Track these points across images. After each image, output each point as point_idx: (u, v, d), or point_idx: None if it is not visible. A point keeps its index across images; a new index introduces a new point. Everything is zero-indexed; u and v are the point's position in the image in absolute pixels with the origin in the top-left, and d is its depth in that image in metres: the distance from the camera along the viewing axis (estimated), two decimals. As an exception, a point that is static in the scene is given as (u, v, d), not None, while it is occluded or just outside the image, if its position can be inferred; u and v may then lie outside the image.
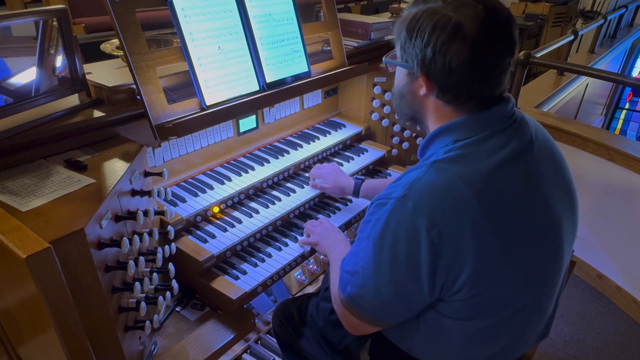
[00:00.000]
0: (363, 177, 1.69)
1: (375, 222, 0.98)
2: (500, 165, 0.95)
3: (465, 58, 0.90)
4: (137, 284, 1.08)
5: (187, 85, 1.47)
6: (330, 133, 2.00)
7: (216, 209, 1.54)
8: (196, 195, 1.52)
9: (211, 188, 1.56)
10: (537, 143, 1.04)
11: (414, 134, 2.11)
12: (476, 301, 0.98)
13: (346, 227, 1.68)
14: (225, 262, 1.44)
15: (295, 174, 1.81)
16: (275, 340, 1.98)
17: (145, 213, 1.18)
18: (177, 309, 1.39)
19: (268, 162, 1.74)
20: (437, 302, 1.03)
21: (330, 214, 1.69)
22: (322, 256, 2.37)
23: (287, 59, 1.68)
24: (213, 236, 1.44)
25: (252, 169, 1.69)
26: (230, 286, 1.33)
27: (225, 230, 1.47)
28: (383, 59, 1.14)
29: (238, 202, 1.61)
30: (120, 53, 1.59)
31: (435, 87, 0.98)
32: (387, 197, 0.98)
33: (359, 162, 1.93)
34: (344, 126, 2.06)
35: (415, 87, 1.03)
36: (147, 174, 1.30)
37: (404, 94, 1.08)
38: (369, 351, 1.27)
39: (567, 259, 1.14)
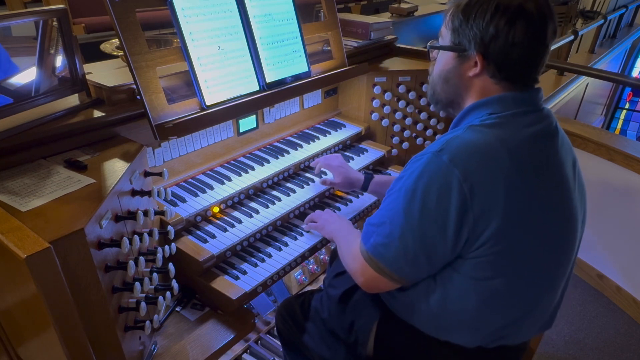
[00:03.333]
0: (372, 172, 1.69)
1: (408, 176, 1.04)
2: (533, 137, 1.04)
3: (526, 36, 1.00)
4: (137, 284, 1.08)
5: (187, 85, 1.47)
6: (330, 133, 2.00)
7: (216, 209, 1.54)
8: (196, 195, 1.52)
9: (211, 188, 1.56)
10: (560, 133, 1.12)
11: (414, 134, 2.11)
12: (495, 260, 1.02)
13: (346, 227, 1.68)
14: (225, 262, 1.44)
15: (295, 174, 1.81)
16: (275, 340, 1.99)
17: (145, 213, 1.18)
18: (177, 309, 1.39)
19: (268, 162, 1.74)
20: (456, 259, 1.06)
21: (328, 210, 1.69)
22: (321, 256, 2.37)
23: (287, 59, 1.68)
24: (213, 236, 1.44)
25: (252, 169, 1.69)
26: (230, 286, 1.33)
27: (225, 230, 1.47)
28: (428, 45, 1.19)
29: (238, 202, 1.61)
30: (120, 53, 1.59)
31: (492, 65, 1.05)
32: (423, 153, 1.04)
33: (359, 162, 1.93)
34: (344, 126, 2.06)
35: (464, 68, 1.10)
36: (147, 174, 1.30)
37: (449, 78, 1.14)
38: (375, 337, 1.27)
39: (577, 248, 1.18)
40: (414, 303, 1.17)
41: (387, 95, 2.02)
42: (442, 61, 1.15)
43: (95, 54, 1.69)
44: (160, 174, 1.32)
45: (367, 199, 1.79)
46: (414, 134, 2.12)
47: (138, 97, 1.28)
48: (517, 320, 1.13)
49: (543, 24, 1.01)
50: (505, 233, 0.99)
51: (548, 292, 1.14)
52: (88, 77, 1.37)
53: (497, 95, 1.07)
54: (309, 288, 2.26)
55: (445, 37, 1.12)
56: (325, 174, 1.76)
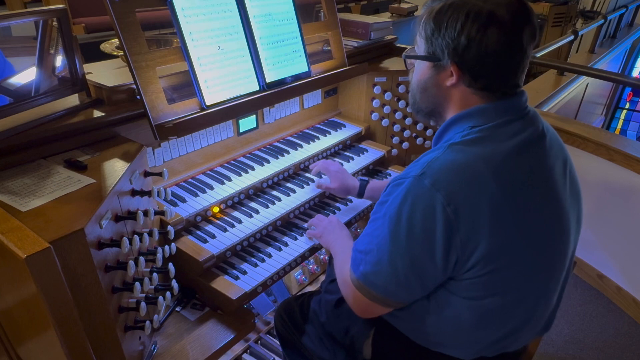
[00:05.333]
0: (367, 178, 1.69)
1: (392, 201, 1.01)
2: (517, 148, 1.00)
3: (500, 43, 0.95)
4: (137, 284, 1.08)
5: (187, 85, 1.47)
6: (330, 133, 2.00)
7: (216, 209, 1.54)
8: (196, 195, 1.52)
9: (211, 188, 1.56)
10: (548, 135, 1.08)
11: (414, 134, 2.11)
12: (488, 280, 1.01)
13: (347, 226, 1.68)
14: (225, 262, 1.44)
15: (295, 174, 1.81)
16: (275, 340, 1.98)
17: (145, 213, 1.18)
18: (177, 309, 1.39)
19: (268, 162, 1.74)
20: (449, 281, 1.05)
21: (330, 214, 1.69)
22: (321, 256, 2.37)
23: (287, 58, 1.68)
24: (213, 236, 1.44)
25: (252, 169, 1.69)
26: (230, 286, 1.33)
27: (225, 230, 1.47)
28: (403, 55, 1.16)
29: (238, 202, 1.61)
30: (120, 53, 1.59)
31: (467, 75, 1.01)
32: (404, 177, 1.01)
33: (359, 162, 1.93)
34: (344, 126, 2.06)
35: (441, 78, 1.06)
36: (147, 174, 1.30)
37: (427, 88, 1.10)
38: (372, 343, 1.27)
39: (573, 251, 1.17)
40: (408, 321, 1.16)
41: (387, 95, 2.02)
42: (419, 71, 1.11)
43: (95, 54, 1.69)
44: (160, 174, 1.32)
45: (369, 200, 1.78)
46: (414, 134, 2.12)
47: (138, 97, 1.28)
48: (514, 331, 1.12)
49: (517, 29, 0.96)
50: (495, 253, 0.97)
51: (544, 300, 1.13)
52: (88, 77, 1.37)
53: (477, 106, 1.03)
54: (308, 288, 2.26)
55: (420, 45, 1.07)
56: (321, 176, 1.76)
